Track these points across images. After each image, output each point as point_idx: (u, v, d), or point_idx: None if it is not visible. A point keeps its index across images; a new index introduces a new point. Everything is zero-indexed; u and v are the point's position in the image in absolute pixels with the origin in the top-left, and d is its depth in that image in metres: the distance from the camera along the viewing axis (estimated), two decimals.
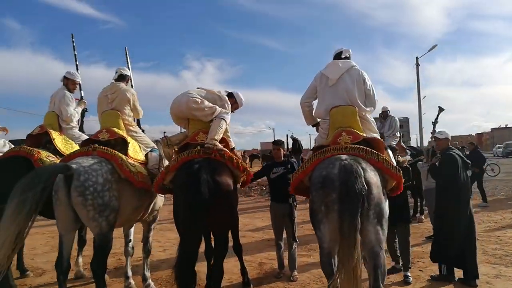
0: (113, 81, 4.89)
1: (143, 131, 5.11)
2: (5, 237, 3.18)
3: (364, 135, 3.52)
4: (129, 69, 5.50)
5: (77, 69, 5.81)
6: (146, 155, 4.59)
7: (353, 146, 3.31)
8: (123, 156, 4.09)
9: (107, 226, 3.77)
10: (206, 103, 4.28)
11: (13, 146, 5.30)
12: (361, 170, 2.94)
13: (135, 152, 4.43)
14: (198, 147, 3.98)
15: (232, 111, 4.68)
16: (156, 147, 4.81)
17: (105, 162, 3.93)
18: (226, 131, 4.35)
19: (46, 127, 5.04)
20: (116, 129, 4.49)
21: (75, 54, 6.05)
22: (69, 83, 5.44)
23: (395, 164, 3.40)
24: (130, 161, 4.14)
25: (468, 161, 5.13)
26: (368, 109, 3.74)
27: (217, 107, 4.32)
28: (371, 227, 2.97)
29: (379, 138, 3.69)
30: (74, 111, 5.34)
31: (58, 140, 4.92)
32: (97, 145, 4.20)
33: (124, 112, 4.72)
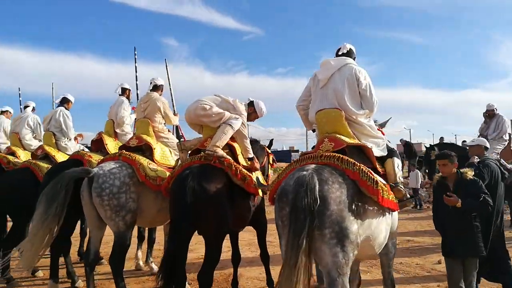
0: (148, 91, 5.24)
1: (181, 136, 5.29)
2: (36, 237, 3.87)
3: (349, 141, 3.23)
4: (168, 79, 5.90)
5: (136, 79, 6.48)
6: (177, 160, 4.83)
7: (328, 154, 3.02)
8: (144, 161, 4.35)
9: (124, 226, 4.10)
10: (214, 109, 4.27)
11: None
12: (316, 182, 2.62)
13: (164, 157, 4.75)
14: (202, 153, 4.08)
15: (251, 120, 4.75)
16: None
17: (126, 166, 4.25)
18: (243, 137, 4.33)
19: (103, 133, 5.59)
20: (144, 136, 4.82)
21: (135, 66, 6.70)
22: (127, 92, 6.03)
23: (375, 176, 2.92)
24: (152, 166, 4.37)
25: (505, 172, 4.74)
26: (361, 112, 3.37)
27: (226, 113, 4.28)
28: (326, 248, 2.63)
29: (370, 144, 3.36)
30: (127, 115, 5.76)
31: (111, 145, 5.39)
32: (124, 150, 4.61)
33: (155, 119, 5.04)
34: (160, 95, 5.28)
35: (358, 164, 2.92)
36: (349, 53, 3.62)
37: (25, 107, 7.22)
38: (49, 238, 4.05)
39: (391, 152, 3.46)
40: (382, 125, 4.19)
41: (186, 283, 4.55)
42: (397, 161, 3.39)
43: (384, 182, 3.08)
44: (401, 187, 3.23)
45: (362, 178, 2.83)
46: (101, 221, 4.22)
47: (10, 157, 6.28)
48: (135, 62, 6.60)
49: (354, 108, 3.36)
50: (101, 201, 4.02)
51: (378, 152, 3.37)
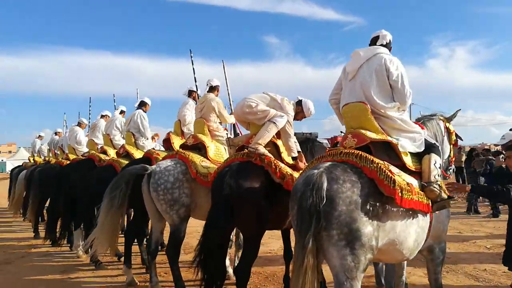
0: (205, 92, 5.56)
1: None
2: (103, 226, 4.50)
3: (374, 136, 2.97)
4: (225, 79, 6.24)
5: (195, 81, 6.73)
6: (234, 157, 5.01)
7: (347, 151, 2.86)
8: (197, 159, 4.65)
9: (178, 219, 4.49)
10: (260, 107, 4.29)
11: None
12: (324, 181, 2.52)
13: (218, 155, 5.00)
14: (245, 149, 4.18)
15: (298, 119, 4.70)
16: None
17: (180, 163, 4.64)
18: (288, 135, 4.31)
19: (171, 133, 6.18)
20: (200, 135, 5.12)
21: (193, 68, 6.92)
22: (193, 94, 6.45)
23: (394, 175, 2.68)
24: (205, 163, 4.65)
25: None
26: (390, 105, 3.07)
27: (271, 110, 4.27)
28: (333, 250, 2.52)
29: (403, 139, 3.06)
30: (189, 115, 6.17)
31: (177, 143, 5.82)
32: (180, 149, 5.05)
33: (210, 119, 5.26)
34: (216, 95, 5.47)
35: (377, 161, 2.71)
36: (387, 44, 3.33)
37: (121, 112, 8.19)
38: (115, 227, 4.70)
39: (429, 148, 3.11)
40: (450, 119, 3.94)
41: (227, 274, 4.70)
42: (435, 158, 3.03)
43: (409, 181, 2.78)
44: (434, 187, 2.87)
45: (380, 177, 2.62)
46: (160, 214, 4.61)
47: (102, 155, 7.18)
48: (192, 64, 6.86)
49: (382, 101, 3.07)
50: (157, 196, 4.44)
51: (411, 147, 3.06)
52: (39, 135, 13.53)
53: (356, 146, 2.96)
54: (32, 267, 6.21)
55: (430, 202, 2.88)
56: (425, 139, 3.18)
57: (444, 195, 2.91)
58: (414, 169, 3.00)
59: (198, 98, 6.28)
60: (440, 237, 3.26)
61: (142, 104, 7.02)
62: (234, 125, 5.74)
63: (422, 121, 3.68)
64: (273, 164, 3.86)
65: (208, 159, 4.80)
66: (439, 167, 3.03)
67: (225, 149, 5.16)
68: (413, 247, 2.90)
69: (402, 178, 2.75)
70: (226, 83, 6.09)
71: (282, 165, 3.97)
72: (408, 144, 3.05)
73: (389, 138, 2.99)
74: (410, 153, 3.10)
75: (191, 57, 6.89)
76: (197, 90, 6.52)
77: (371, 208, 2.56)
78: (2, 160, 62.19)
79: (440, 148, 3.26)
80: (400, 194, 2.61)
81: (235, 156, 4.20)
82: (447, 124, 3.87)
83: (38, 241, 7.94)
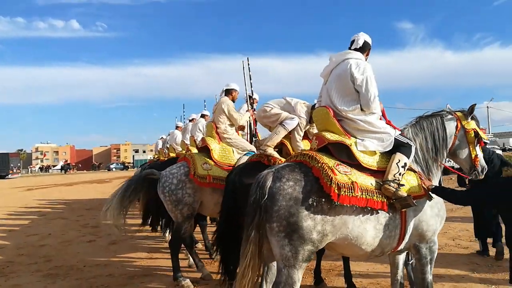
0: (220, 95, 5.85)
1: None
2: (114, 206, 5.00)
3: (331, 138, 3.12)
4: (250, 78, 6.40)
5: (251, 86, 6.55)
6: (239, 159, 5.37)
7: (304, 153, 3.12)
8: (199, 161, 5.09)
9: (181, 217, 5.05)
10: (273, 111, 4.67)
11: None
12: (269, 180, 2.84)
13: (223, 157, 5.31)
14: (259, 150, 4.61)
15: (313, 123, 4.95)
16: (252, 151, 5.49)
17: (184, 165, 5.18)
18: (295, 138, 4.59)
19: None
20: (207, 138, 5.52)
21: (249, 75, 6.65)
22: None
23: (335, 173, 2.84)
24: (207, 165, 5.05)
25: None
26: (351, 108, 3.19)
27: (282, 113, 4.60)
28: (274, 240, 2.81)
29: (371, 140, 3.16)
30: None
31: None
32: (188, 152, 5.54)
33: (220, 121, 5.50)
34: (232, 99, 5.68)
35: (323, 161, 2.92)
36: (357, 46, 3.38)
37: (202, 115, 9.06)
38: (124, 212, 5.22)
39: (397, 147, 3.13)
40: (466, 116, 3.63)
41: None
42: (399, 157, 3.06)
43: (356, 180, 2.90)
44: (389, 185, 2.92)
45: (322, 175, 2.84)
46: None
47: (187, 154, 8.26)
48: (248, 72, 6.81)
49: (344, 105, 3.21)
50: (164, 197, 5.04)
51: (376, 147, 3.14)
52: (162, 137, 15.73)
53: (318, 147, 3.19)
54: (129, 247, 7.63)
55: (385, 200, 2.95)
56: (396, 139, 3.20)
57: (402, 193, 2.94)
58: (376, 168, 3.09)
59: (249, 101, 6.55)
60: (424, 236, 3.26)
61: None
62: (250, 124, 5.90)
63: (415, 120, 3.61)
64: (278, 163, 4.19)
65: (213, 160, 5.16)
66: (403, 166, 3.05)
67: (234, 151, 5.39)
68: (374, 243, 3.01)
69: (348, 177, 2.89)
70: (245, 83, 6.17)
71: None
72: (372, 144, 3.15)
73: (344, 140, 3.11)
74: (381, 152, 3.19)
75: (248, 64, 6.94)
76: (251, 96, 6.38)
77: (314, 204, 2.78)
78: (150, 157, 72.23)
79: (413, 148, 3.21)
80: (336, 191, 2.77)
81: (252, 156, 4.65)
82: (464, 122, 3.61)
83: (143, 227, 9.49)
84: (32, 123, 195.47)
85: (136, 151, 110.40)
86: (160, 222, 8.51)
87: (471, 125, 3.60)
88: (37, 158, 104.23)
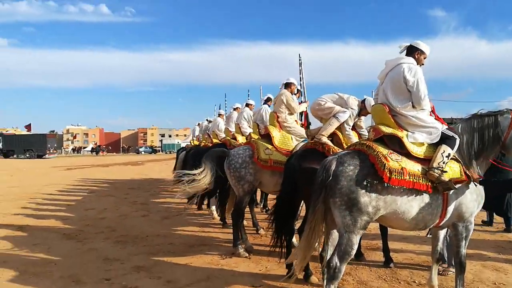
0: (280, 88, 6.51)
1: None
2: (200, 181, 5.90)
3: (386, 130, 3.72)
4: (300, 72, 7.09)
5: (301, 87, 7.38)
6: (297, 145, 6.08)
7: (363, 142, 3.78)
8: (262, 146, 5.86)
9: (243, 192, 5.90)
10: (327, 104, 5.31)
11: None
12: (333, 164, 3.50)
13: (283, 143, 6.02)
14: (315, 139, 5.28)
15: (363, 115, 5.61)
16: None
17: (249, 149, 6.00)
18: (344, 129, 5.21)
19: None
20: (269, 126, 6.26)
21: (300, 69, 7.55)
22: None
23: (389, 160, 3.45)
24: (268, 150, 5.78)
25: None
26: (404, 105, 3.79)
27: (336, 107, 5.24)
28: (337, 212, 3.47)
29: (418, 133, 3.74)
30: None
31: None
32: (255, 138, 6.37)
33: (280, 111, 6.25)
34: (291, 91, 6.34)
35: (378, 150, 3.56)
36: (409, 51, 3.98)
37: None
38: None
39: (443, 140, 3.73)
40: (500, 113, 3.98)
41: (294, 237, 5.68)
42: (444, 148, 3.65)
43: (405, 166, 3.51)
44: (433, 171, 3.52)
45: (377, 161, 3.49)
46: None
47: (232, 141, 9.01)
48: (300, 69, 7.58)
49: (398, 103, 3.82)
50: (229, 173, 5.92)
51: (424, 139, 3.75)
52: (198, 123, 16.53)
53: (374, 138, 3.85)
54: (181, 222, 8.48)
55: (430, 183, 3.56)
56: (442, 132, 3.80)
57: (444, 179, 3.54)
58: (423, 157, 3.70)
59: (299, 93, 7.26)
60: (462, 216, 3.85)
61: (268, 100, 8.38)
62: (306, 114, 6.57)
63: (468, 117, 4.09)
64: (331, 150, 4.83)
65: (274, 146, 5.86)
66: (447, 156, 3.64)
67: (293, 138, 6.08)
68: (418, 218, 3.64)
69: (399, 163, 3.52)
70: (300, 77, 6.86)
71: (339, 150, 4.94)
72: (421, 137, 3.76)
73: (397, 132, 3.74)
74: (429, 143, 3.80)
75: (300, 62, 7.68)
76: (303, 91, 7.28)
77: (369, 184, 3.45)
78: (178, 142, 74.34)
79: (457, 141, 3.76)
80: (388, 175, 3.41)
81: (307, 144, 5.33)
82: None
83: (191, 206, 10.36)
84: (63, 105, 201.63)
85: (163, 135, 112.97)
86: (206, 201, 9.39)
87: None
88: (67, 140, 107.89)
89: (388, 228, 5.33)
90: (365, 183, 3.45)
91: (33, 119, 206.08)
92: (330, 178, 3.51)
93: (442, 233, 4.34)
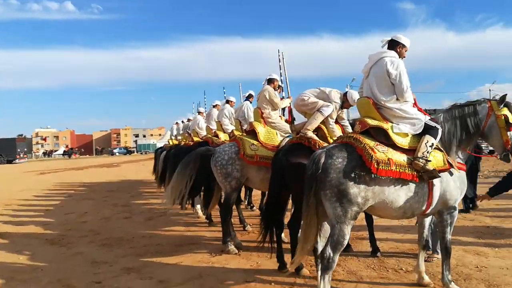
0: (263, 84, 6.56)
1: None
2: (175, 185, 6.05)
3: (372, 123, 3.84)
4: (282, 66, 6.93)
5: (280, 75, 7.07)
6: (282, 140, 6.12)
7: (350, 135, 3.89)
8: (247, 142, 5.89)
9: (230, 189, 5.93)
10: (310, 99, 5.39)
11: None
12: (322, 157, 3.59)
13: (268, 139, 6.07)
14: (300, 134, 5.36)
15: (345, 108, 5.72)
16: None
17: (235, 145, 6.01)
18: (328, 122, 5.33)
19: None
20: (254, 122, 6.33)
21: (280, 65, 7.02)
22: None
23: (375, 151, 3.57)
24: (254, 146, 5.83)
25: None
26: (388, 98, 3.91)
27: (319, 102, 5.34)
28: (328, 203, 3.58)
29: (403, 124, 3.86)
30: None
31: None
32: (239, 134, 6.48)
33: (264, 107, 6.28)
34: (274, 87, 6.37)
35: (365, 142, 3.67)
36: (390, 45, 4.09)
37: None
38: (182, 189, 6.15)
39: (426, 130, 3.87)
40: (498, 103, 4.11)
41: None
42: (427, 138, 3.78)
43: (391, 157, 3.64)
44: (418, 161, 3.66)
45: (364, 153, 3.59)
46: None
47: (214, 138, 9.01)
48: (280, 65, 7.48)
49: (383, 96, 3.94)
50: (216, 170, 5.91)
51: (409, 130, 3.87)
52: (176, 122, 16.38)
53: (360, 130, 3.95)
54: (166, 222, 8.42)
55: (415, 173, 3.69)
56: (425, 123, 3.94)
57: (429, 167, 3.68)
58: (408, 147, 3.83)
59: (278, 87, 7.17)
60: (447, 204, 4.02)
61: (250, 96, 8.41)
62: (290, 110, 6.56)
63: (448, 108, 4.28)
64: (317, 144, 4.92)
65: (259, 142, 5.91)
66: (430, 146, 3.78)
67: (278, 133, 6.16)
68: (406, 206, 3.77)
69: (385, 154, 3.64)
70: (281, 72, 6.79)
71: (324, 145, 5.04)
72: (405, 128, 3.89)
73: (382, 124, 3.86)
74: (413, 134, 3.93)
75: (279, 58, 7.48)
76: (285, 87, 7.19)
77: (356, 176, 3.55)
78: (153, 142, 73.37)
79: (440, 131, 3.91)
80: (375, 166, 3.52)
81: (292, 139, 5.40)
82: (495, 109, 4.10)
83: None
84: (31, 107, 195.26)
85: (137, 135, 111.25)
86: (189, 201, 9.36)
87: (502, 111, 4.08)
88: (37, 143, 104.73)
89: (374, 219, 5.50)
90: (353, 175, 3.55)
91: None
92: (320, 171, 3.60)
93: (428, 220, 4.50)
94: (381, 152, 3.64)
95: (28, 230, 8.10)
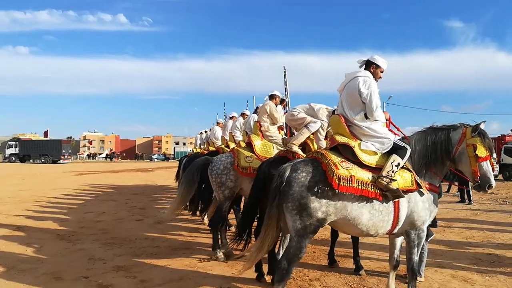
0: (265, 99, 6.85)
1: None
2: (179, 197, 6.37)
3: (340, 140, 3.91)
4: (285, 83, 7.36)
5: (286, 97, 7.79)
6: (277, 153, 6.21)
7: (318, 150, 3.99)
8: (243, 154, 6.10)
9: (223, 198, 6.12)
10: (299, 115, 5.54)
11: None
12: (287, 171, 3.71)
13: (264, 151, 6.28)
14: (286, 147, 5.49)
15: None
16: None
17: (231, 156, 6.24)
18: (318, 138, 5.46)
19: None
20: (252, 135, 6.53)
21: (285, 81, 8.02)
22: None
23: (338, 168, 3.61)
24: (249, 158, 6.04)
25: None
26: (357, 116, 3.97)
27: (307, 118, 5.48)
28: (289, 216, 3.66)
29: (371, 142, 3.90)
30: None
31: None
32: (241, 145, 6.66)
33: (263, 120, 6.53)
34: (275, 103, 6.62)
35: (330, 158, 3.74)
36: (366, 65, 4.17)
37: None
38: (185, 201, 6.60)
39: (394, 150, 3.89)
40: (473, 131, 3.99)
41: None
42: (394, 158, 3.80)
43: (354, 174, 3.67)
44: (381, 180, 3.67)
45: (327, 169, 3.66)
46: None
47: (225, 148, 9.26)
48: (285, 81, 7.90)
49: (352, 114, 4.01)
50: (211, 178, 6.18)
51: (375, 149, 3.90)
52: (201, 132, 16.86)
53: (330, 147, 4.05)
54: (173, 226, 8.73)
55: (379, 191, 3.71)
56: (394, 143, 3.96)
57: (392, 187, 3.69)
58: (375, 166, 3.86)
59: (286, 104, 7.59)
60: (414, 224, 4.00)
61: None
62: (287, 125, 6.79)
63: (423, 129, 4.26)
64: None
65: (255, 154, 6.12)
66: (397, 165, 3.80)
67: (274, 147, 6.32)
68: (370, 224, 3.79)
69: (348, 171, 3.69)
70: (285, 88, 7.10)
71: None
72: (373, 146, 3.92)
73: (350, 142, 3.91)
74: (382, 153, 3.96)
75: (284, 73, 7.97)
76: (287, 102, 7.63)
77: (319, 190, 3.62)
78: (190, 150, 74.92)
79: (408, 151, 3.92)
80: (337, 182, 3.58)
81: (279, 152, 5.53)
82: (467, 137, 4.00)
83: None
84: (81, 112, 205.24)
85: (177, 143, 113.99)
86: (199, 208, 9.64)
87: (473, 140, 3.96)
88: (84, 146, 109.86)
89: (363, 238, 5.48)
90: (316, 189, 3.63)
91: (51, 125, 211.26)
92: (284, 184, 3.71)
93: (399, 240, 4.46)
94: (344, 168, 3.70)
95: (45, 225, 8.68)
